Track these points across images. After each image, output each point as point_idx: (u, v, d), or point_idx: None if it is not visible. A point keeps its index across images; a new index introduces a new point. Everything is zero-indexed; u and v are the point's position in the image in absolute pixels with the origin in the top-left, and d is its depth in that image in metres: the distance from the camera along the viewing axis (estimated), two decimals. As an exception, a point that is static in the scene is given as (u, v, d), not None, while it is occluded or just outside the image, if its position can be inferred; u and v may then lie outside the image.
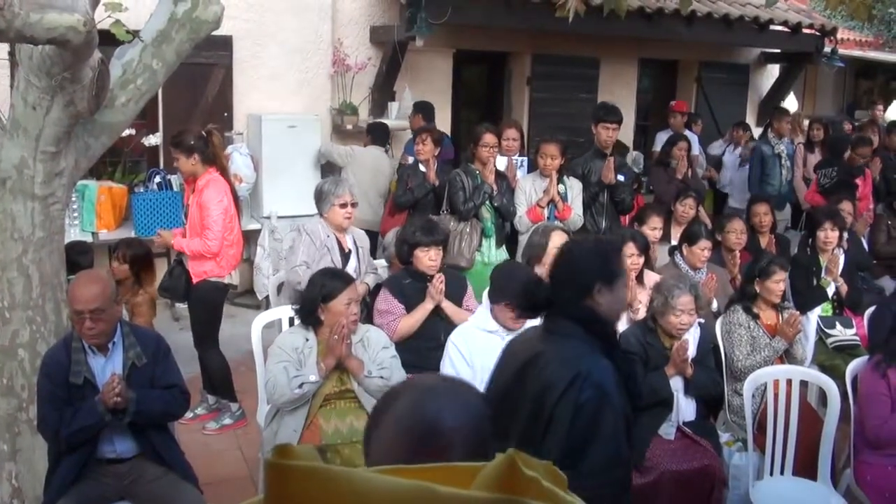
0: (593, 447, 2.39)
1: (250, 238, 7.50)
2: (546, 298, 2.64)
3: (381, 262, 5.53)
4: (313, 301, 3.83)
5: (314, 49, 8.06)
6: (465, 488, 0.52)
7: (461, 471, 0.56)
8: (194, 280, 5.08)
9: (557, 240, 4.85)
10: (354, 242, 5.08)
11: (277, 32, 7.82)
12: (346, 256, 5.02)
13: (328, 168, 7.71)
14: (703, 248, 5.32)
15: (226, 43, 7.42)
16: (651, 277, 4.92)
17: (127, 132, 6.36)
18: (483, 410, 1.46)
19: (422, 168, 6.26)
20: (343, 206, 4.92)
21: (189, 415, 5.09)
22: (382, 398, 1.48)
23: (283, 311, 4.61)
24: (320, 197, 5.00)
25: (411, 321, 4.49)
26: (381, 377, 3.74)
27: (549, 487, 0.52)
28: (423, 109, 7.76)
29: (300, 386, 3.63)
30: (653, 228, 5.69)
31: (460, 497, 0.50)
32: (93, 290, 3.32)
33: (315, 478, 0.51)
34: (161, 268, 5.53)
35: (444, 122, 8.85)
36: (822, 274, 5.67)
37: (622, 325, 4.71)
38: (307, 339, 3.82)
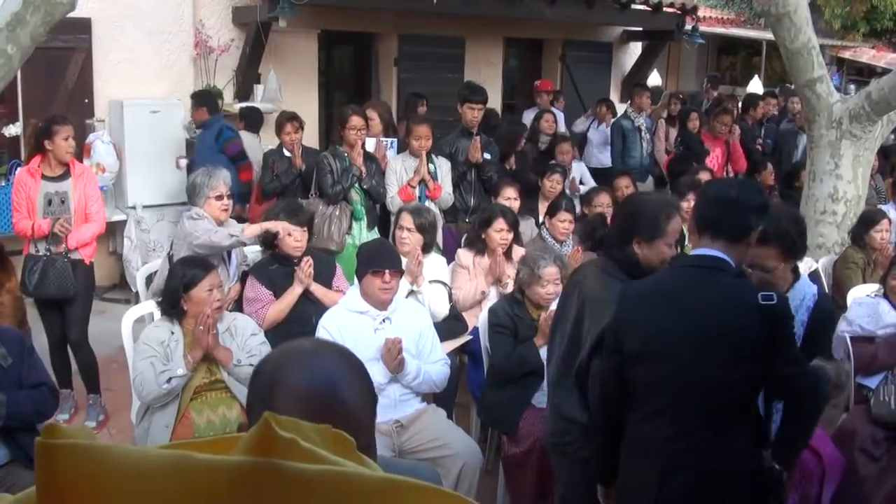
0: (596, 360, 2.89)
1: (116, 229, 7.27)
2: (600, 238, 3.21)
3: (255, 248, 5.43)
4: (175, 291, 3.77)
5: (175, 31, 7.84)
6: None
7: (235, 440, 0.58)
8: (87, 261, 4.93)
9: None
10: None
11: (137, 14, 7.59)
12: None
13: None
14: (562, 220, 5.46)
15: (84, 26, 7.16)
16: (519, 252, 5.02)
17: (-15, 123, 6.12)
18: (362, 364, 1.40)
19: (286, 153, 6.19)
20: (219, 198, 4.70)
21: (66, 416, 4.98)
22: (262, 373, 1.34)
23: (154, 305, 4.46)
24: (194, 190, 4.74)
25: (280, 307, 4.46)
26: (251, 365, 3.68)
27: (308, 448, 0.53)
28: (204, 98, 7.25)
29: (168, 381, 3.56)
30: (506, 199, 5.75)
31: (213, 462, 0.52)
32: None
33: (79, 455, 0.52)
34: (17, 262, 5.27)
35: (311, 104, 8.78)
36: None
37: (492, 300, 4.83)
38: (172, 333, 3.75)
